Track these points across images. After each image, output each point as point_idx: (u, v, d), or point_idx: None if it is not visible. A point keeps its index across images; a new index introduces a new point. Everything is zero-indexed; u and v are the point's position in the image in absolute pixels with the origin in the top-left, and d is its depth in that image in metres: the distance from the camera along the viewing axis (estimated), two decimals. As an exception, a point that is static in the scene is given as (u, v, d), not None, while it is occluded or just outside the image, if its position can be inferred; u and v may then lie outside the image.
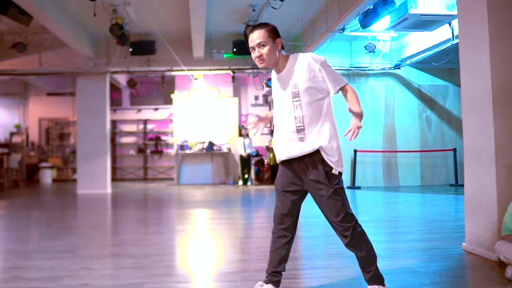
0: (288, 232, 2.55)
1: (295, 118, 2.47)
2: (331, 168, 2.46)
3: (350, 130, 2.51)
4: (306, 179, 2.48)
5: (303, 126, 2.46)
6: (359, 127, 2.50)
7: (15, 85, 14.04)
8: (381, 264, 3.27)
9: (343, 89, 2.54)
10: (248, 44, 2.53)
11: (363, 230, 2.54)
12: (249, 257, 3.78)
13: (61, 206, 7.77)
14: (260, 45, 2.45)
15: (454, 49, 7.92)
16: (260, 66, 2.52)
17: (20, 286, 2.97)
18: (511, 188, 3.29)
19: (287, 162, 2.54)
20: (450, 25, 7.36)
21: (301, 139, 2.47)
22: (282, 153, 2.54)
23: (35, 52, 9.66)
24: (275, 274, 2.57)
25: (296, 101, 2.47)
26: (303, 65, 2.47)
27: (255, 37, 2.46)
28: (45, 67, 9.99)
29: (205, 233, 4.99)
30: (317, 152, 2.46)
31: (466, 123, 3.82)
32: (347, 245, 2.49)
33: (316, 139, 2.46)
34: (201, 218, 6.14)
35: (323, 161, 2.46)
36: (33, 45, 9.41)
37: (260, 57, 2.46)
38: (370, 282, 2.53)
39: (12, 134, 14.33)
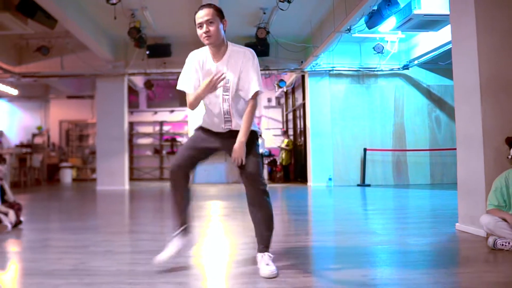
0: None
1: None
2: None
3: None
4: None
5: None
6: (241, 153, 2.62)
7: (37, 88, 14.62)
8: (377, 239, 3.60)
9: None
10: (195, 20, 2.60)
11: None
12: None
13: (82, 198, 8.20)
14: (209, 22, 2.55)
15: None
16: (206, 42, 2.60)
17: (52, 251, 3.35)
18: (497, 169, 3.54)
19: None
20: (454, 25, 7.57)
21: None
22: None
23: (58, 55, 10.19)
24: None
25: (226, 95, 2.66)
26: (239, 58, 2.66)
27: (204, 13, 2.57)
28: (66, 69, 10.52)
29: (218, 217, 5.32)
30: None
31: (458, 111, 4.11)
32: None
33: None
34: (215, 207, 6.47)
35: None
36: (56, 49, 9.93)
37: (207, 33, 2.55)
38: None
39: (34, 135, 14.92)
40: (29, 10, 6.86)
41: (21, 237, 4.06)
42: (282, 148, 12.21)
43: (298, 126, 12.54)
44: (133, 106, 14.55)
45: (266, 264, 2.62)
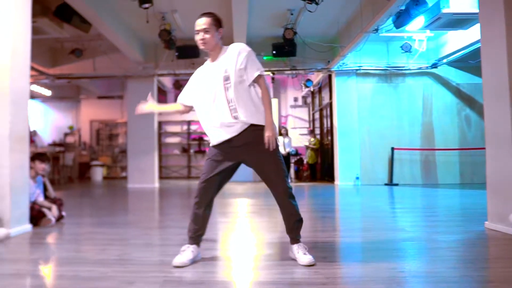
0: None
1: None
2: None
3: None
4: None
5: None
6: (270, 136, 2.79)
7: (69, 89, 15.12)
8: (404, 236, 3.68)
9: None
10: (195, 28, 2.85)
11: None
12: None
13: (115, 195, 8.49)
14: (205, 30, 2.82)
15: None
16: (201, 48, 2.87)
17: (96, 243, 3.57)
18: (528, 168, 3.57)
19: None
20: (483, 23, 7.51)
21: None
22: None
23: (90, 57, 10.57)
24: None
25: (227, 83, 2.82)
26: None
27: (202, 22, 2.83)
28: (98, 71, 10.88)
29: (245, 214, 5.47)
30: None
31: (487, 110, 4.15)
32: None
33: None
34: (242, 204, 6.63)
35: None
36: (89, 51, 10.32)
37: (203, 40, 2.82)
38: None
39: (66, 134, 15.46)
40: (66, 15, 7.18)
41: (65, 230, 4.30)
42: (308, 147, 12.29)
43: (325, 125, 12.59)
44: (162, 106, 14.85)
45: (303, 254, 2.79)
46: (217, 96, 2.82)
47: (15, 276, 2.62)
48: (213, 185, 2.87)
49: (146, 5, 6.64)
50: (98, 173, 14.29)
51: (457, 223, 4.45)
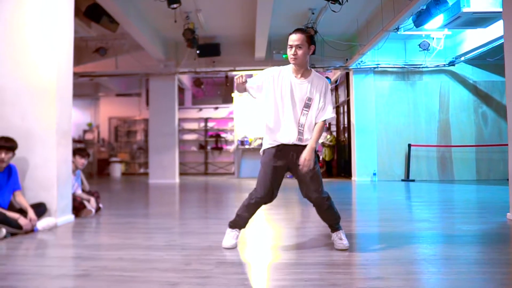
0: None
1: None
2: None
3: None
4: None
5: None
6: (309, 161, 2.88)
7: (88, 87, 15.44)
8: (425, 225, 3.85)
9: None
10: (288, 43, 2.93)
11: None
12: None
13: (140, 190, 8.74)
14: (298, 46, 2.90)
15: (509, 45, 8.16)
16: (292, 62, 2.95)
17: (141, 231, 3.81)
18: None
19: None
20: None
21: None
22: None
23: (113, 55, 10.84)
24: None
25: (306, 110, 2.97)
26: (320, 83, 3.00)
27: (296, 38, 2.91)
28: (120, 69, 11.15)
29: (262, 209, 5.67)
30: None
31: (509, 107, 4.29)
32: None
33: None
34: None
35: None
36: (112, 50, 10.58)
37: (295, 55, 2.91)
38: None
39: (84, 131, 15.80)
40: (95, 15, 7.43)
41: (107, 220, 4.56)
42: (325, 144, 12.45)
43: (342, 122, 12.75)
44: (179, 103, 15.07)
45: (339, 239, 3.03)
46: (290, 114, 2.97)
47: (78, 258, 2.86)
48: (272, 187, 3.04)
49: (175, 5, 6.86)
50: (117, 169, 14.58)
51: (479, 215, 4.61)
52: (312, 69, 3.08)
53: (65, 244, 3.39)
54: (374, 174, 10.44)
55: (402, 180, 10.27)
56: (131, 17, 7.87)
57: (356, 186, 9.16)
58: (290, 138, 2.96)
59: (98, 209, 5.10)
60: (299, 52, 2.91)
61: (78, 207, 4.71)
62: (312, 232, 3.69)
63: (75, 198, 4.71)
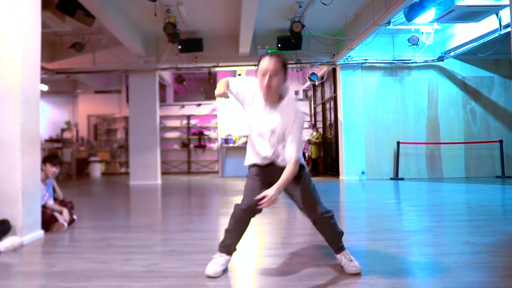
0: None
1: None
2: None
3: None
4: None
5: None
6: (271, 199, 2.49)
7: (65, 84, 14.84)
8: (438, 239, 3.54)
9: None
10: (260, 67, 2.57)
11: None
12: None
13: (120, 194, 8.29)
14: (273, 73, 2.53)
15: (501, 40, 7.95)
16: (264, 93, 2.60)
17: (118, 250, 3.39)
18: None
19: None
20: (497, 15, 7.39)
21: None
22: None
23: (90, 51, 10.30)
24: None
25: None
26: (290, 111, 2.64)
27: (272, 64, 2.53)
28: (98, 65, 10.61)
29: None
30: None
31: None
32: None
33: None
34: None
35: None
36: (89, 45, 10.04)
37: (269, 85, 2.54)
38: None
39: (63, 130, 15.17)
40: (69, 8, 6.93)
41: (81, 236, 4.13)
42: (311, 141, 12.14)
43: (328, 119, 12.44)
44: (161, 100, 14.56)
45: (349, 260, 2.69)
46: (261, 137, 2.72)
47: (42, 293, 2.45)
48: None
49: (154, -2, 6.41)
50: (96, 169, 14.07)
51: (485, 223, 4.31)
52: (286, 96, 2.68)
53: (28, 272, 2.96)
54: (363, 172, 10.17)
55: (391, 179, 10.03)
56: (108, 10, 7.37)
57: (344, 186, 8.87)
58: (264, 159, 2.74)
59: (72, 221, 4.66)
60: (274, 81, 2.55)
61: (49, 221, 4.27)
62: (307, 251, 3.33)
63: (45, 211, 4.26)
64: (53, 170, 4.48)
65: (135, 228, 4.39)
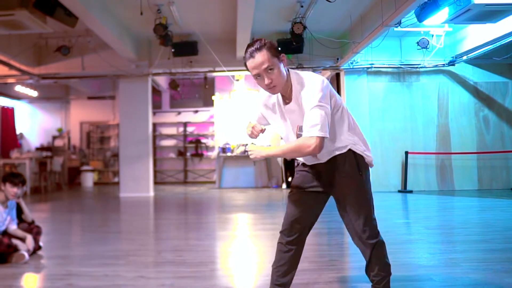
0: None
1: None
2: None
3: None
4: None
5: None
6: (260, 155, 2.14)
7: (57, 89, 14.26)
8: (468, 279, 2.89)
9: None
10: (249, 69, 2.12)
11: None
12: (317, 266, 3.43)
13: (106, 209, 7.65)
14: (268, 69, 2.06)
15: (518, 42, 7.34)
16: (273, 93, 2.18)
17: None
18: None
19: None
20: (517, 15, 6.77)
21: None
22: None
23: (78, 55, 9.69)
24: None
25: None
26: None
27: (259, 61, 2.05)
28: (87, 70, 10.01)
29: (245, 238, 4.67)
30: None
31: None
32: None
33: None
34: (242, 222, 5.85)
35: None
36: (76, 48, 9.42)
37: (271, 83, 2.09)
38: None
39: (54, 137, 14.57)
40: (47, 7, 6.30)
41: (41, 270, 3.47)
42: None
43: (331, 127, 11.81)
44: (156, 106, 14.02)
45: None
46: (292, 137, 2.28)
47: None
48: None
49: (141, -5, 5.80)
50: (88, 179, 13.47)
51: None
52: (293, 78, 2.17)
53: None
54: (369, 184, 9.51)
55: (399, 191, 9.37)
56: (92, 10, 6.76)
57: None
58: (308, 160, 2.33)
59: (38, 248, 4.01)
60: (274, 75, 2.07)
61: (6, 251, 3.63)
62: None
63: (1, 240, 3.61)
64: (13, 190, 3.82)
65: (108, 259, 3.71)
